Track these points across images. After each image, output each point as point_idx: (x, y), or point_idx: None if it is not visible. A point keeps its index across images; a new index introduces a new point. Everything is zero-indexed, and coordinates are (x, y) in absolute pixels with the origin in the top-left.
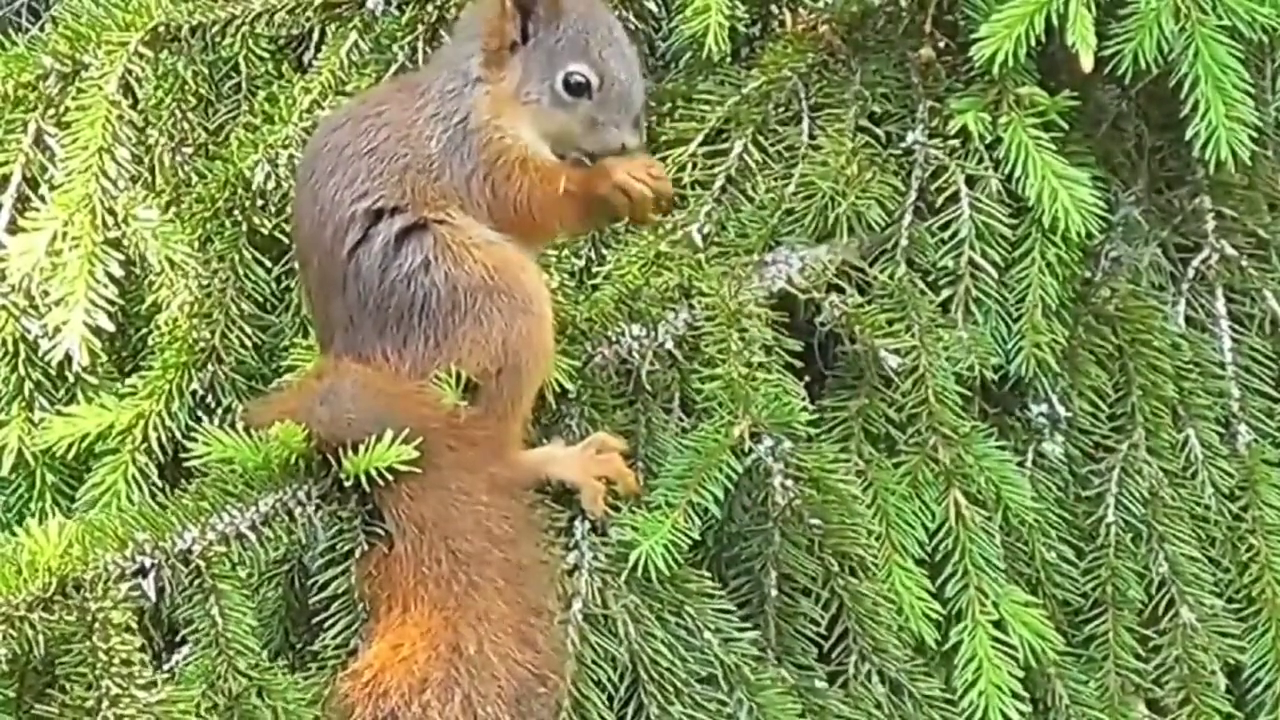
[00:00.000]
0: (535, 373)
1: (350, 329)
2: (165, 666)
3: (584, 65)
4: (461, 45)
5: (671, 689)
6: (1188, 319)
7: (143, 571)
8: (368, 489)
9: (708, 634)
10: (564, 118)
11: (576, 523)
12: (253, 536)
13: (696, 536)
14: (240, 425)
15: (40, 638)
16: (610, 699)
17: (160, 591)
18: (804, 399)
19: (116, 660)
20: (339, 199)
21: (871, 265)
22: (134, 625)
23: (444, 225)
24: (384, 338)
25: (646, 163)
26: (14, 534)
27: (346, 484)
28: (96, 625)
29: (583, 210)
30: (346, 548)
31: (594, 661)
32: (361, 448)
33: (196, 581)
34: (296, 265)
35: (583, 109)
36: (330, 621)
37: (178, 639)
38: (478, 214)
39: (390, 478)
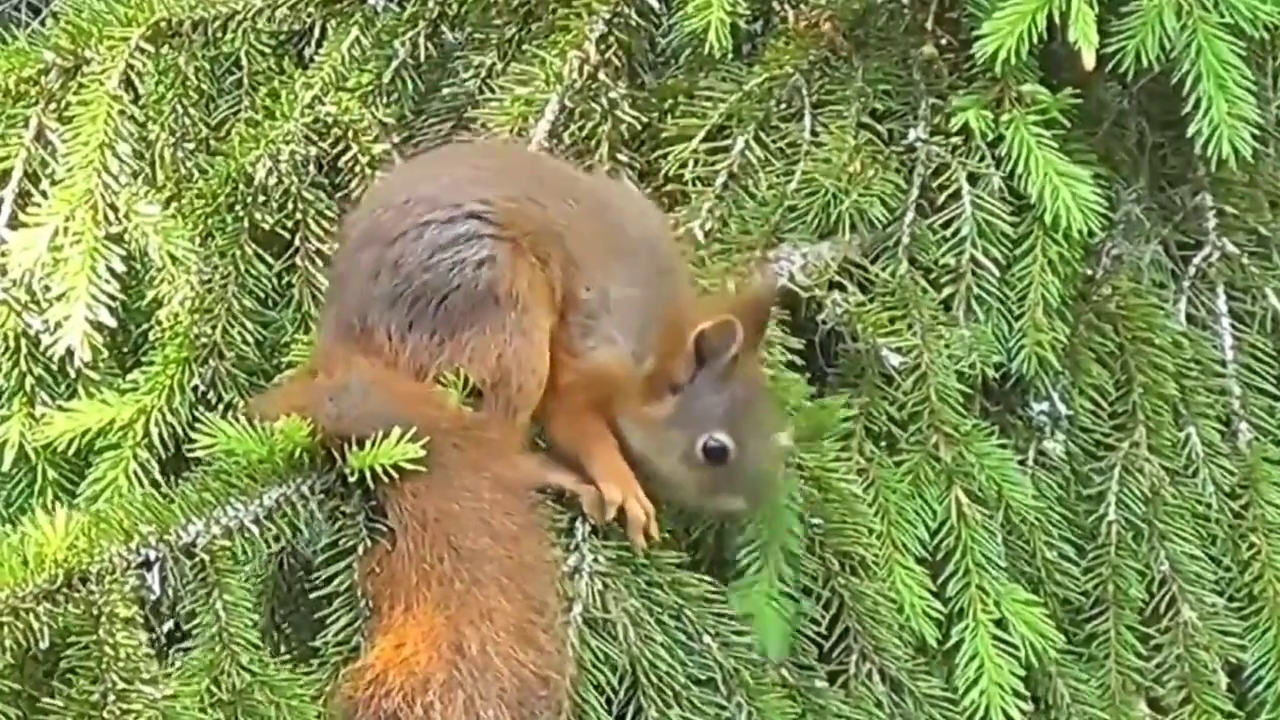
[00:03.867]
0: (527, 394)
1: (366, 295)
2: (167, 661)
3: (728, 436)
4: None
5: (671, 693)
6: (1189, 317)
7: (147, 564)
8: (372, 485)
9: (707, 638)
10: (687, 474)
11: (577, 524)
12: (256, 530)
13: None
14: (245, 419)
15: (45, 630)
16: (609, 702)
17: (163, 584)
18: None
19: (122, 654)
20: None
21: (873, 262)
22: (140, 619)
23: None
24: (394, 311)
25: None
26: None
27: (351, 480)
28: (102, 619)
29: (577, 439)
30: (349, 544)
31: (594, 664)
32: (367, 443)
33: (200, 575)
34: (340, 239)
35: (708, 473)
36: (333, 618)
37: (173, 631)
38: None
39: (395, 475)
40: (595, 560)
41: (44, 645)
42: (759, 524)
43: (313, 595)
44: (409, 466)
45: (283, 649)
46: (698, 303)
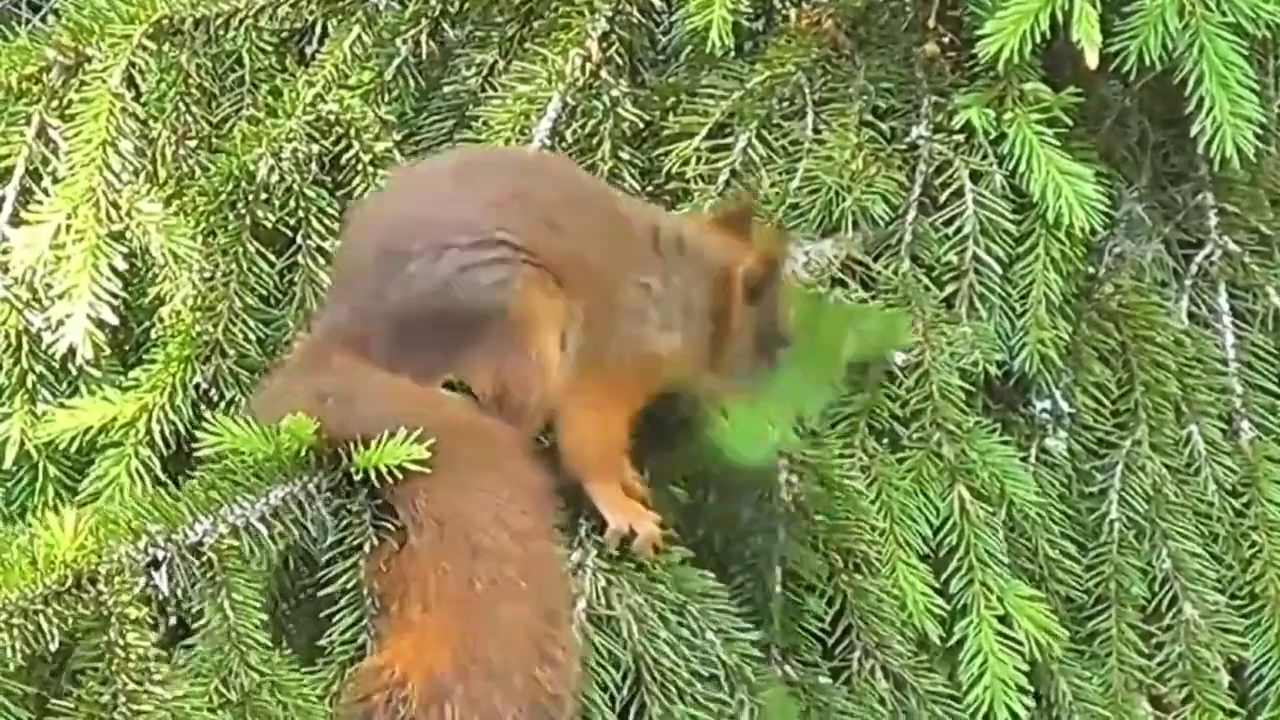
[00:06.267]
0: (527, 415)
1: (369, 309)
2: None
3: (782, 344)
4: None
5: (674, 689)
6: (1191, 315)
7: (155, 564)
8: (381, 483)
9: (710, 634)
10: (752, 380)
11: (581, 520)
12: (263, 529)
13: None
14: (250, 417)
15: (55, 631)
16: (613, 699)
17: (170, 583)
18: None
19: (133, 656)
20: (465, 217)
21: (876, 260)
22: (150, 620)
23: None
24: (393, 328)
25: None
26: (20, 525)
27: (357, 478)
28: (112, 620)
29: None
30: (356, 542)
31: (598, 661)
32: (373, 443)
33: (208, 575)
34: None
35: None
36: (339, 617)
37: (175, 628)
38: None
39: (407, 473)
40: (599, 556)
41: (53, 646)
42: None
43: (319, 594)
44: (415, 468)
45: (287, 647)
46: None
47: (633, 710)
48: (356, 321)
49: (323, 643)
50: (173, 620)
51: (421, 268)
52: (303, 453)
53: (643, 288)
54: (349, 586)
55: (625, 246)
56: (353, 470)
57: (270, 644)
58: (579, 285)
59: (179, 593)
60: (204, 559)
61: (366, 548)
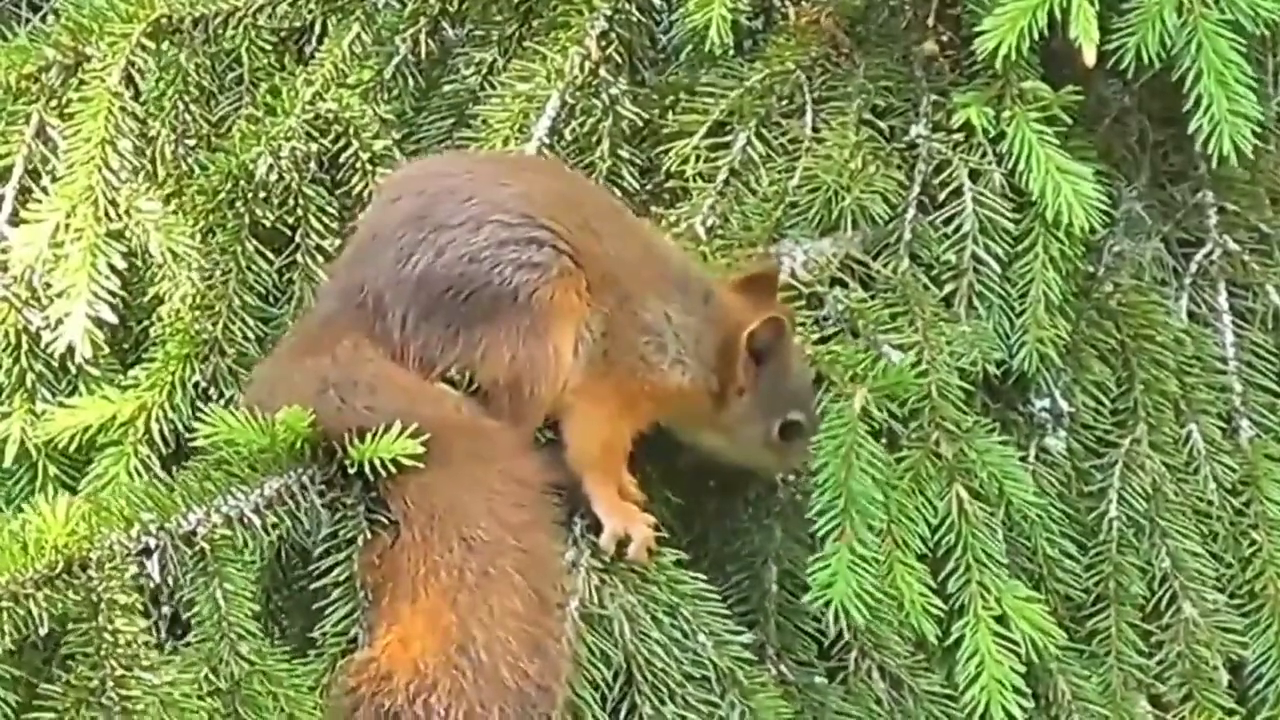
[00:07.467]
0: (539, 401)
1: (391, 275)
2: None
3: (798, 411)
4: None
5: (665, 690)
6: (1190, 314)
7: (147, 552)
8: (376, 475)
9: (701, 636)
10: (769, 455)
11: (575, 518)
12: (257, 520)
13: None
14: (245, 407)
15: (45, 616)
16: (604, 699)
17: (162, 572)
18: None
19: (121, 641)
20: (510, 202)
21: (875, 259)
22: (140, 607)
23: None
24: (416, 296)
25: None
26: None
27: (351, 471)
28: (102, 606)
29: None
30: (350, 534)
31: (589, 660)
32: (369, 436)
33: (200, 564)
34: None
35: (787, 446)
36: (331, 608)
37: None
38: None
39: (401, 467)
40: (593, 555)
41: (43, 631)
42: (836, 492)
43: (311, 586)
44: (410, 462)
45: (280, 639)
46: (727, 306)
47: (624, 710)
48: (374, 289)
49: (315, 634)
50: (166, 611)
51: (460, 235)
52: (298, 445)
53: (665, 316)
54: (342, 579)
55: (654, 273)
56: (347, 463)
57: (262, 634)
58: (605, 296)
59: (171, 582)
60: (196, 548)
61: (360, 540)
